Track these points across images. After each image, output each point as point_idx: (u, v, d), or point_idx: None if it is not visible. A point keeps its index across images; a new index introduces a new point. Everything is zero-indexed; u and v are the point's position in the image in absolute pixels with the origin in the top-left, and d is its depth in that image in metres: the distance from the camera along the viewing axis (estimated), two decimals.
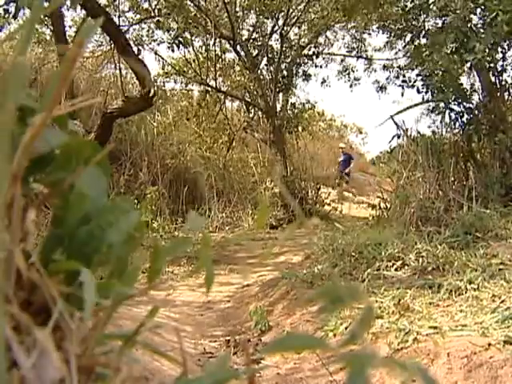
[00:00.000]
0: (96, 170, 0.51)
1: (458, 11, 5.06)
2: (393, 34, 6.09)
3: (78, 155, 0.50)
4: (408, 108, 5.79)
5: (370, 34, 11.29)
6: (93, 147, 0.52)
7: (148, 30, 9.74)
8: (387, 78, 11.04)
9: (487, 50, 4.84)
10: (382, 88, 11.48)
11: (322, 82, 11.76)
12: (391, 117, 5.54)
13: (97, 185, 0.50)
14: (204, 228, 0.57)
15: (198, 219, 0.56)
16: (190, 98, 10.81)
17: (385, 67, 11.05)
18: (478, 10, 5.13)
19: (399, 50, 9.79)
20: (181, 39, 9.08)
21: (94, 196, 0.50)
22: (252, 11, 10.05)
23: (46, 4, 0.61)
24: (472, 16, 5.17)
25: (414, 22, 5.77)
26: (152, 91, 6.26)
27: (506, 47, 5.27)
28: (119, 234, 0.50)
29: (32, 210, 0.46)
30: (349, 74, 12.06)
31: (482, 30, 5.15)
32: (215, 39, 9.65)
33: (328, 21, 10.29)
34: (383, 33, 6.76)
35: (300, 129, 10.84)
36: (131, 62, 6.71)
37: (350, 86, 12.12)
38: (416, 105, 5.81)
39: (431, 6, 5.45)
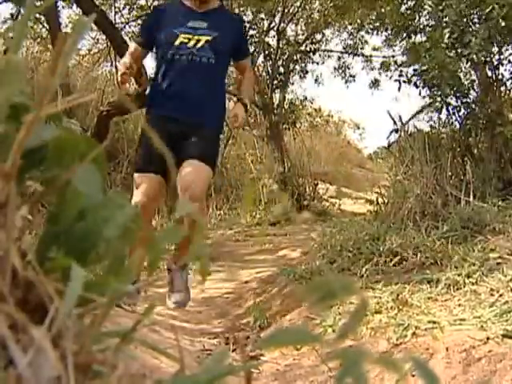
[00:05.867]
0: (92, 167, 0.51)
1: (453, 6, 5.04)
2: (389, 33, 6.07)
3: (73, 152, 0.50)
4: (419, 112, 5.74)
5: (367, 32, 11.25)
6: (88, 143, 0.52)
7: None
8: (382, 72, 11.00)
9: (483, 44, 4.82)
10: (375, 82, 11.43)
11: (315, 80, 11.74)
12: (390, 115, 5.53)
13: (92, 181, 0.50)
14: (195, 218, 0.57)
15: (187, 205, 0.57)
16: None
17: (382, 65, 11.00)
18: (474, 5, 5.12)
19: (395, 45, 9.76)
20: None
21: (89, 193, 0.49)
22: (249, 8, 10.02)
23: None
24: (468, 11, 5.16)
25: (410, 22, 5.76)
26: (148, 89, 6.25)
27: (502, 41, 5.26)
28: (116, 228, 0.50)
29: (26, 208, 0.46)
30: (344, 71, 12.00)
31: (477, 25, 5.14)
32: None
33: (326, 17, 10.26)
34: (378, 33, 6.74)
35: (298, 125, 10.81)
36: None
37: (346, 82, 12.05)
38: (424, 107, 5.74)
39: (425, 1, 5.44)
